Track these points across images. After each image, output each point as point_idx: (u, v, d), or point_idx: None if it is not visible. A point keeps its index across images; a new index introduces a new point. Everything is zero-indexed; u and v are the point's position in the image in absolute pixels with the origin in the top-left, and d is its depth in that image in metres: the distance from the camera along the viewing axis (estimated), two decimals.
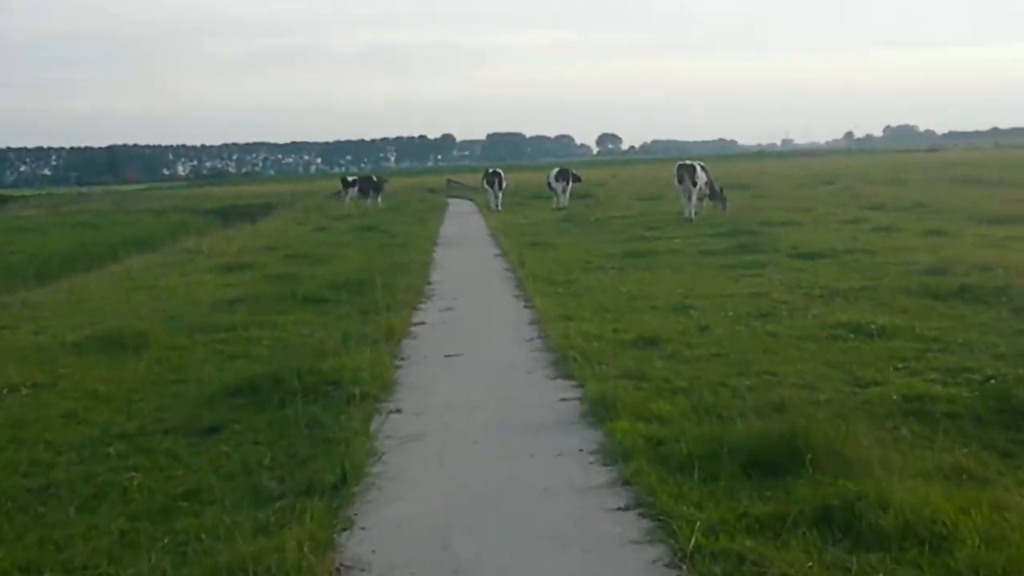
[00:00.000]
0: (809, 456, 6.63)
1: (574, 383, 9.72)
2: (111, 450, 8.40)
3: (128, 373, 11.54)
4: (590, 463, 7.30)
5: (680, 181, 30.38)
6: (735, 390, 9.12)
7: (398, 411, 9.00)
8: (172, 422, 9.30)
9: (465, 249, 24.91)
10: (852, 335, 11.56)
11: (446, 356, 11.39)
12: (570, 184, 42.33)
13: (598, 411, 8.43)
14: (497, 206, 41.86)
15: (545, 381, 9.96)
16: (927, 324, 11.97)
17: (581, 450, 7.58)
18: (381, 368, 10.38)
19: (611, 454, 7.35)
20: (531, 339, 12.15)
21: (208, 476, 7.51)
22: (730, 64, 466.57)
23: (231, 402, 9.84)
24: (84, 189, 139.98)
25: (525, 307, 14.74)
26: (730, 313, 13.49)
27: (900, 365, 10.13)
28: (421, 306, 15.36)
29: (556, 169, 43.85)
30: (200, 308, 16.11)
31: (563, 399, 9.14)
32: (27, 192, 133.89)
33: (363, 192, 49.43)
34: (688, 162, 31.28)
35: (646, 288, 16.13)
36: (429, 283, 17.98)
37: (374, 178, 52.27)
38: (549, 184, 43.06)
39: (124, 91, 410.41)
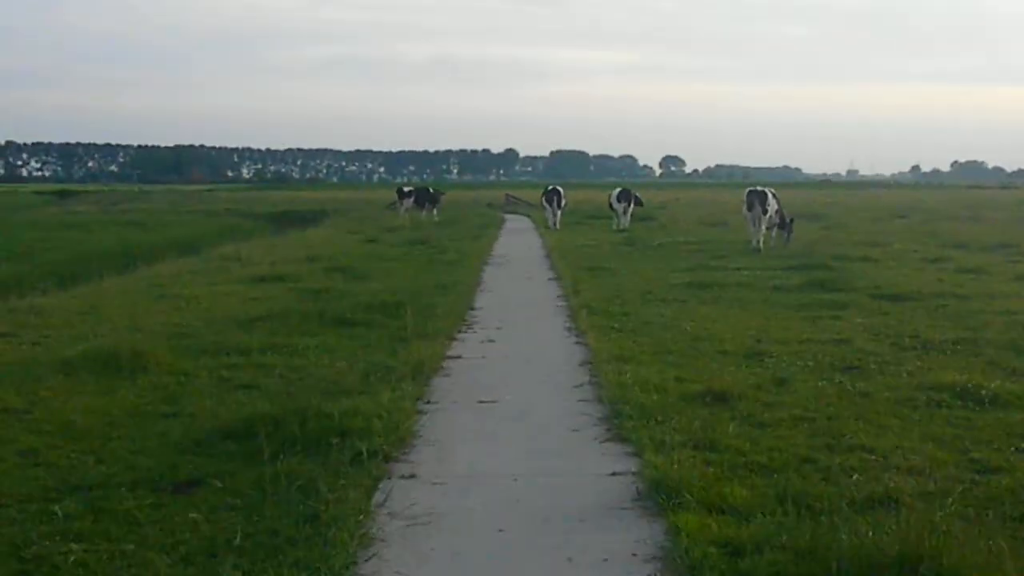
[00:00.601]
0: None
1: (629, 449, 8.03)
2: (59, 509, 6.84)
3: (115, 401, 10.05)
4: None
5: (750, 208, 28.55)
6: (828, 472, 7.41)
7: (411, 477, 7.38)
8: (145, 470, 7.76)
9: (517, 270, 23.30)
10: (959, 401, 9.76)
11: (479, 402, 9.76)
12: (632, 206, 40.56)
13: (658, 494, 6.75)
14: (555, 224, 40.28)
15: (594, 445, 8.27)
16: None
17: (635, 555, 5.88)
18: (400, 416, 8.77)
19: (676, 567, 5.66)
20: (580, 385, 10.49)
21: (160, 559, 5.93)
22: (797, 92, 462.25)
23: (221, 447, 8.30)
24: (146, 187, 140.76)
25: (576, 343, 13.09)
26: (810, 363, 11.75)
27: None
28: (460, 335, 13.75)
29: (618, 189, 42.04)
30: (217, 324, 14.63)
31: (614, 472, 7.45)
32: (90, 188, 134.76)
33: (419, 204, 48.03)
34: (760, 188, 29.44)
35: (712, 327, 14.42)
36: (473, 308, 16.37)
37: (431, 190, 50.85)
38: (610, 204, 41.32)
39: (192, 93, 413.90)
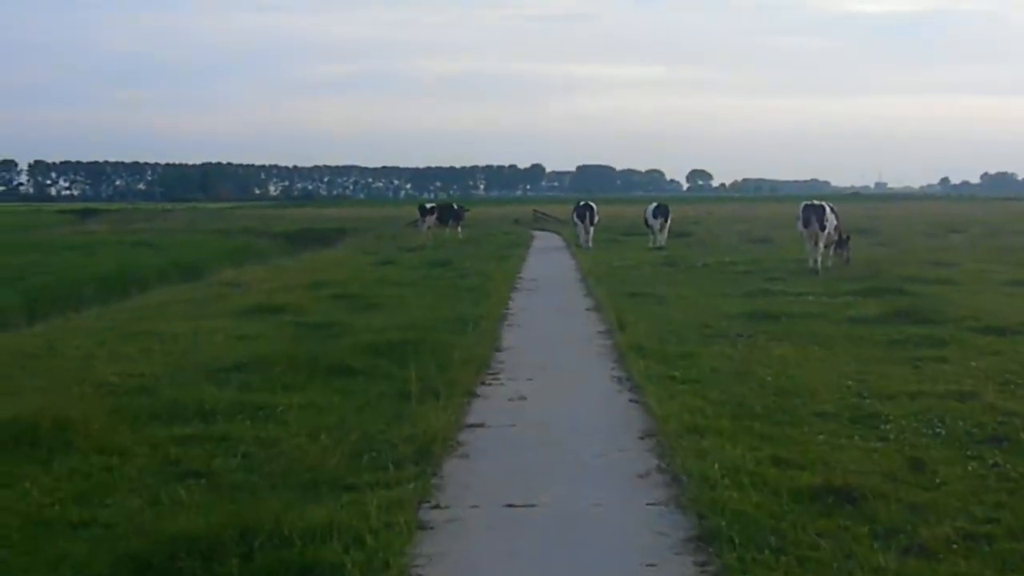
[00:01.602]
0: None
1: None
2: None
3: (12, 500, 7.40)
4: None
5: (806, 224, 25.61)
6: None
7: None
8: None
9: (549, 298, 20.48)
10: None
11: (507, 506, 6.97)
12: (668, 222, 37.83)
13: None
14: (587, 242, 37.47)
15: None
16: None
17: None
18: (392, 539, 6.02)
19: None
20: (647, 474, 7.68)
21: None
22: (824, 104, 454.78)
23: None
24: (169, 205, 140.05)
25: (631, 401, 10.29)
26: (940, 431, 8.96)
27: None
28: (483, 389, 10.97)
29: (654, 204, 39.16)
30: (187, 374, 11.90)
31: None
32: (114, 206, 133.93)
33: (442, 221, 45.27)
34: (816, 202, 26.44)
35: (796, 374, 11.63)
36: (499, 350, 13.57)
37: (454, 206, 48.08)
38: (646, 221, 38.53)
39: (220, 111, 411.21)
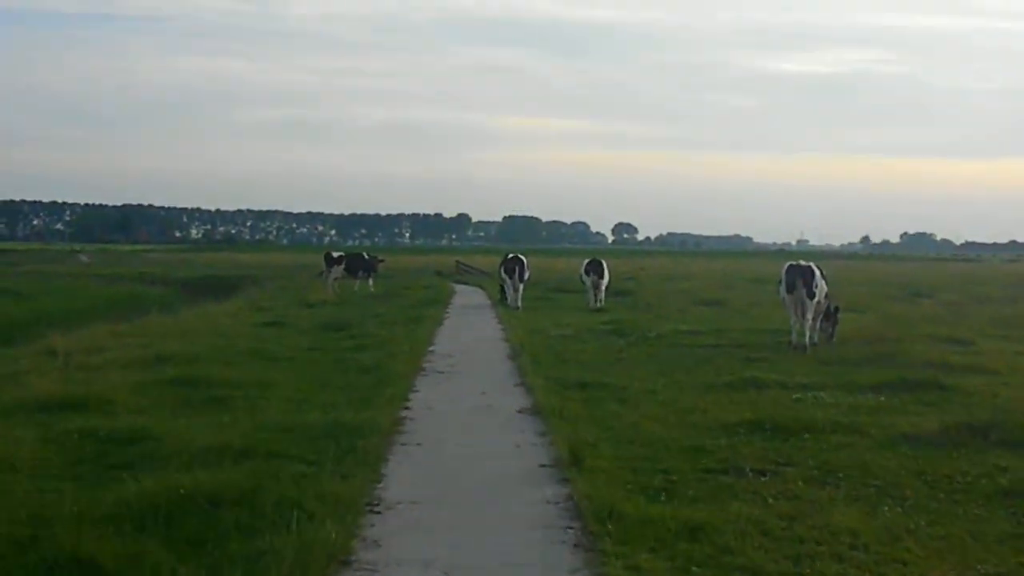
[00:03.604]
0: None
1: None
2: None
3: None
4: None
5: (790, 289, 20.44)
6: None
7: None
8: None
9: (467, 389, 14.86)
10: None
11: None
12: (605, 279, 32.74)
13: None
14: (516, 302, 32.08)
15: None
16: None
17: None
18: None
19: None
20: None
21: None
22: (748, 162, 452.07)
23: None
24: (79, 247, 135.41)
25: None
26: None
27: None
28: None
29: (588, 260, 33.90)
30: None
31: None
32: (21, 247, 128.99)
33: (351, 272, 39.68)
34: (803, 263, 21.22)
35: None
36: (375, 509, 8.11)
37: (365, 255, 42.54)
38: (581, 277, 33.52)
39: (143, 152, 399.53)
